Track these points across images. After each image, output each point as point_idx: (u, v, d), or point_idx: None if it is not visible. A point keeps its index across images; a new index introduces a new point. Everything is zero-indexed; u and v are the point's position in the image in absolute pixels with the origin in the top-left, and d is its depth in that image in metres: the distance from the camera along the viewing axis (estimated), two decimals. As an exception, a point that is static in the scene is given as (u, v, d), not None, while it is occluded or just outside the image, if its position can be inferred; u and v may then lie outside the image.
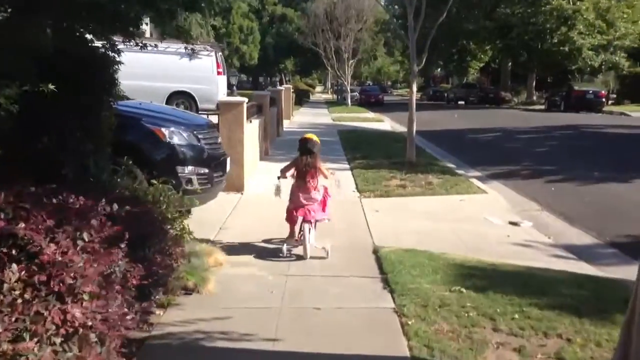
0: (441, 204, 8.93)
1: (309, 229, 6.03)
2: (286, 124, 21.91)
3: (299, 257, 5.96)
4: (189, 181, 6.74)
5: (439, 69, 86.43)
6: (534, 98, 45.79)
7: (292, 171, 6.28)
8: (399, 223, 7.66)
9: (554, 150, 16.21)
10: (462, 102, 53.30)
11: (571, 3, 35.29)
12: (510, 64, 52.34)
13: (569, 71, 41.88)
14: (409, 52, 13.34)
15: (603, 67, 37.13)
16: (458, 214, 8.41)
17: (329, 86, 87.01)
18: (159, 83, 19.02)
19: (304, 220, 6.04)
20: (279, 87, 19.28)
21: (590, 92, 32.85)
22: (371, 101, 45.16)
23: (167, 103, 19.27)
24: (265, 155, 13.27)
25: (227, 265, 5.66)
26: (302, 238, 6.02)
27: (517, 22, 36.75)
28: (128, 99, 7.80)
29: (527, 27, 36.61)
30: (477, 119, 29.25)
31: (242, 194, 9.12)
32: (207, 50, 19.29)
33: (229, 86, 9.73)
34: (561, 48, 35.31)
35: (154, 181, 5.87)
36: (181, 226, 5.75)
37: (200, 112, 20.44)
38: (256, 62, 52.20)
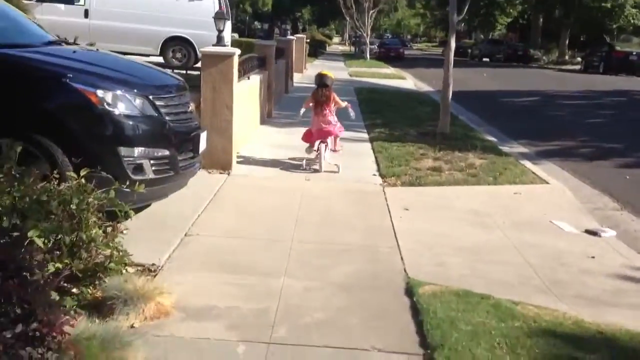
0: (490, 199, 6.74)
1: (325, 147, 7.32)
2: (297, 78, 19.57)
3: (315, 171, 7.22)
4: (139, 168, 4.60)
5: (462, 23, 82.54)
6: (566, 57, 42.74)
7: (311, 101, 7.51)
8: (438, 231, 5.50)
9: (611, 123, 13.81)
10: (487, 59, 50.19)
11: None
12: (541, 20, 49.07)
13: (606, 30, 38.70)
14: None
15: (648, 26, 33.96)
16: (515, 215, 6.22)
17: (347, 38, 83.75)
18: (151, 26, 16.71)
19: (321, 141, 7.29)
20: (289, 37, 16.88)
21: (634, 53, 29.89)
22: (391, 55, 42.42)
23: (162, 50, 17.04)
24: (267, 118, 11.07)
25: (178, 315, 3.57)
26: (319, 155, 7.28)
27: (556, -27, 33.45)
28: (60, 42, 5.61)
29: (567, -21, 33.40)
30: (508, 78, 26.70)
31: (228, 173, 6.98)
32: (210, -9, 16.88)
33: (219, 34, 7.45)
34: (602, 4, 32.13)
35: (72, 174, 3.77)
36: (112, 247, 3.69)
37: (199, 60, 18.16)
38: (270, 8, 49.17)
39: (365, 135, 10.04)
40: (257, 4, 46.98)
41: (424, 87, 21.29)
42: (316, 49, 35.71)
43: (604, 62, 30.04)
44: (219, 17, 7.15)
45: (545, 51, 47.15)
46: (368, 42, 36.95)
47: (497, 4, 52.09)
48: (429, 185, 7.08)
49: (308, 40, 33.02)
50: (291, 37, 17.37)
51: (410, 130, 10.55)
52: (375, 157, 8.34)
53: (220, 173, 6.95)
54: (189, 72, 13.07)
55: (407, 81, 22.97)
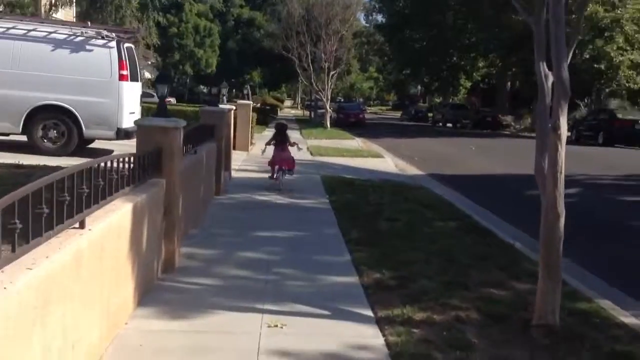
0: None
1: (283, 172, 10.52)
2: (240, 161, 14.02)
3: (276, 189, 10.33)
4: None
5: (419, 86, 79.61)
6: (542, 124, 38.96)
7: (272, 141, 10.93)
8: None
9: None
10: (450, 125, 46.33)
11: (608, 11, 28.25)
12: (509, 83, 45.85)
13: (586, 93, 35.09)
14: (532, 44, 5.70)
15: (645, 90, 30.27)
16: None
17: (299, 101, 79.87)
18: (8, 90, 11.00)
19: (279, 168, 10.51)
20: (223, 105, 11.43)
21: (640, 122, 25.77)
22: (351, 121, 37.52)
23: (25, 126, 11.30)
24: (166, 277, 5.37)
25: None
26: (279, 178, 10.50)
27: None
28: None
29: (551, 38, 29.50)
30: (501, 153, 21.99)
31: None
32: (105, 38, 11.37)
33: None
34: (595, 65, 28.23)
35: None
36: None
37: (87, 143, 12.35)
38: (214, 70, 44.05)
39: (375, 331, 4.41)
40: (199, 65, 41.84)
41: (409, 170, 16.08)
42: (266, 115, 30.53)
43: (603, 132, 25.76)
44: None
45: (515, 117, 43.60)
46: (328, 107, 31.87)
47: (460, 67, 48.71)
48: None
49: (259, 106, 27.86)
50: (226, 106, 11.90)
51: (464, 308, 5.01)
52: None
53: None
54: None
55: (385, 160, 17.69)
